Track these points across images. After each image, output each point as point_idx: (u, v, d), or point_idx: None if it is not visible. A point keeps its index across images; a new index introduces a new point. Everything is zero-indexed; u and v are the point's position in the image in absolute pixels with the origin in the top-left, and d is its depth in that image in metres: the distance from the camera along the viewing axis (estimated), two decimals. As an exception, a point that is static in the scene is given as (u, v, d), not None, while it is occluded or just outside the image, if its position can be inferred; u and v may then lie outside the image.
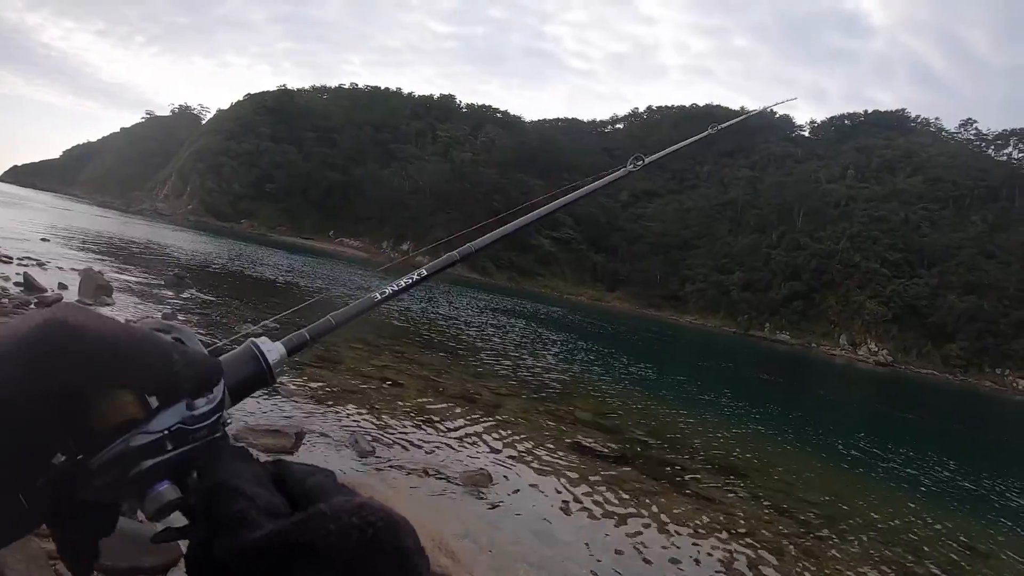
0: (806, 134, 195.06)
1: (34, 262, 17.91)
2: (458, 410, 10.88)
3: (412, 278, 0.90)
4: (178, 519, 0.54)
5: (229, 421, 0.58)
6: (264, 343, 0.66)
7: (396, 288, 0.88)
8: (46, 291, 13.75)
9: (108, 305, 13.78)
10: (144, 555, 4.33)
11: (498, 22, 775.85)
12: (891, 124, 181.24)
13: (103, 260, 23.38)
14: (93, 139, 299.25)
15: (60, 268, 17.96)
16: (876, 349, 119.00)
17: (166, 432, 0.51)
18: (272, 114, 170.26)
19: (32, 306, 11.65)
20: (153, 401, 0.51)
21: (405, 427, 9.13)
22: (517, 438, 9.89)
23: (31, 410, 0.44)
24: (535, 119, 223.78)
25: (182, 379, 0.52)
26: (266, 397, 8.97)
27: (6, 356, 0.43)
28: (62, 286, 14.76)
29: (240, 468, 0.53)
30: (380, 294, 0.86)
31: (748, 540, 7.62)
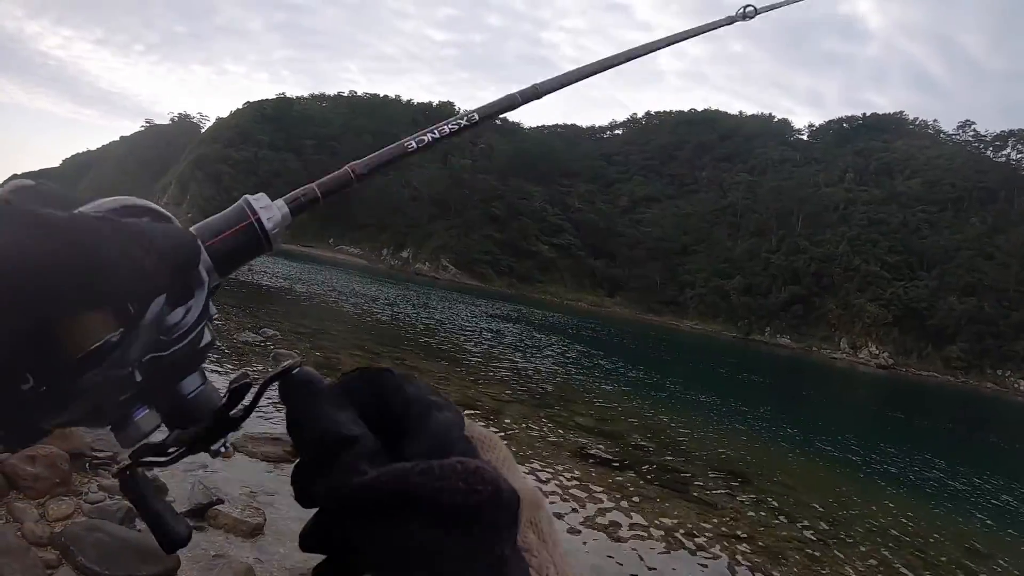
0: (804, 138, 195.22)
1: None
2: (458, 416, 10.83)
3: (460, 123, 0.78)
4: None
5: (215, 314, 0.54)
6: (260, 200, 0.60)
7: (436, 135, 0.77)
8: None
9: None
10: (141, 564, 4.31)
11: (495, 29, 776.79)
12: (889, 127, 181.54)
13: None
14: (93, 148, 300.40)
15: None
16: (877, 352, 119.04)
17: (136, 364, 0.45)
18: (271, 122, 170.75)
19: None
20: (124, 315, 0.42)
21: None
22: (518, 445, 9.86)
23: None
24: (534, 125, 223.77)
25: (156, 275, 0.44)
26: (266, 407, 8.93)
27: None
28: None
29: (336, 413, 0.48)
30: (417, 142, 0.75)
31: (750, 545, 7.60)
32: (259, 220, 0.58)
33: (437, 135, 0.76)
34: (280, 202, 0.62)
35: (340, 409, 0.48)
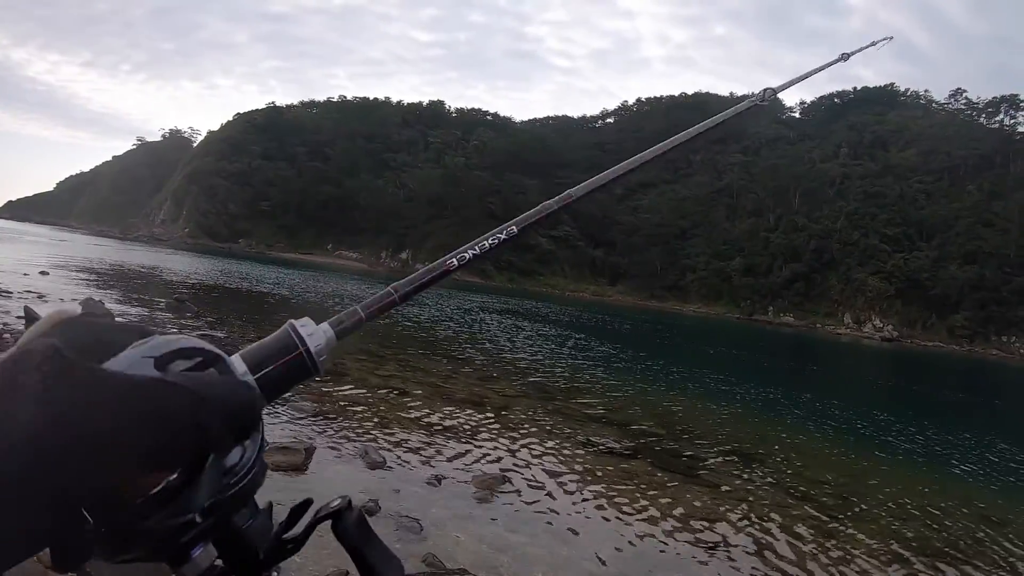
0: (796, 115, 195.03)
1: (35, 295, 17.90)
2: (467, 415, 10.86)
3: (499, 237, 0.77)
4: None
5: (268, 445, 0.55)
6: (305, 325, 0.59)
7: (477, 251, 0.75)
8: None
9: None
10: (160, 582, 4.31)
11: (479, 27, 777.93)
12: (881, 99, 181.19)
13: (103, 289, 23.38)
14: (86, 169, 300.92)
15: (61, 299, 17.94)
16: (881, 325, 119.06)
17: (199, 509, 0.46)
18: (262, 132, 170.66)
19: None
20: (184, 471, 0.44)
21: (415, 435, 9.11)
22: (528, 439, 9.87)
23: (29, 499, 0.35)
24: (525, 119, 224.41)
25: (215, 439, 0.44)
26: (273, 414, 8.95)
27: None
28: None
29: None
30: (459, 259, 0.74)
31: (764, 525, 7.60)
32: (307, 350, 0.57)
33: (478, 251, 0.75)
34: (326, 326, 0.61)
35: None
